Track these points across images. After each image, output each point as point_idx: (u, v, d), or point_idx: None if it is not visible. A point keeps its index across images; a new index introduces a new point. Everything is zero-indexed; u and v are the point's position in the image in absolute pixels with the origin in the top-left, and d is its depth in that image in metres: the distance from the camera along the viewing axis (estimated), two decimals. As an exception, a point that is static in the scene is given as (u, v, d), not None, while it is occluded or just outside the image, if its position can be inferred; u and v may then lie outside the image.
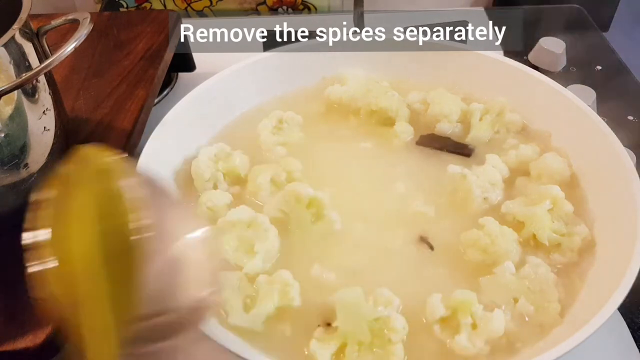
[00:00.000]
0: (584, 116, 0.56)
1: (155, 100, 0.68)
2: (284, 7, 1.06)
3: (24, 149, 0.45)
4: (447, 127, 0.60)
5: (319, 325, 0.44)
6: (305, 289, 0.46)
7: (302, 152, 0.57)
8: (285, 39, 0.70)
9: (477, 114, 0.60)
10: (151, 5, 1.06)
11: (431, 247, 0.49)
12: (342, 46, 0.67)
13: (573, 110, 0.57)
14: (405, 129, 0.60)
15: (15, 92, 0.43)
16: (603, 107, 0.73)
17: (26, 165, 0.46)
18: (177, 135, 0.57)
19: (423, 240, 0.49)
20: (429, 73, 0.66)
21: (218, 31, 0.95)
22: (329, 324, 0.44)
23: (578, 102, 0.57)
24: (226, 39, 0.92)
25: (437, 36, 0.68)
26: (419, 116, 0.62)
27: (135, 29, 0.70)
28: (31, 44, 0.46)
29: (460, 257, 0.49)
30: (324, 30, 0.74)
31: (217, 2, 1.05)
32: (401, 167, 0.58)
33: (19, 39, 0.44)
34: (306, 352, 0.43)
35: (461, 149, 0.59)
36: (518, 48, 0.87)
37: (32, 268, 0.32)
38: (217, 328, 0.42)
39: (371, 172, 0.58)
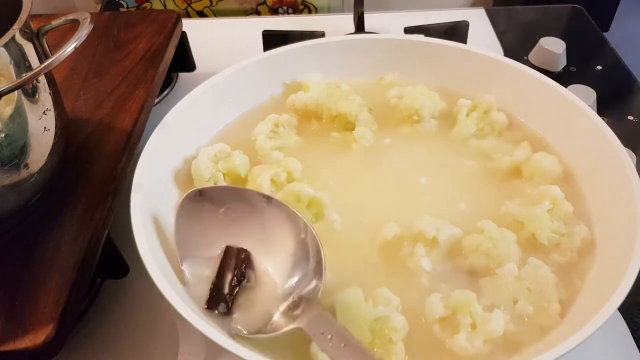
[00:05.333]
0: (584, 116, 0.56)
1: (155, 100, 0.68)
2: (284, 7, 1.07)
3: (24, 149, 0.45)
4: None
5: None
6: (305, 289, 0.46)
7: (300, 156, 0.57)
8: (285, 39, 0.70)
9: (464, 110, 0.61)
10: (151, 5, 1.06)
11: None
12: (343, 45, 0.67)
13: (573, 110, 0.57)
14: (362, 135, 0.60)
15: (16, 92, 0.43)
16: (603, 107, 0.73)
17: (26, 165, 0.46)
18: (177, 135, 0.57)
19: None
20: (429, 73, 0.66)
21: (218, 31, 0.96)
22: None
23: (578, 102, 0.57)
24: (226, 39, 0.92)
25: (437, 36, 0.68)
26: (393, 110, 0.63)
27: (135, 29, 0.70)
28: (31, 44, 0.46)
29: (461, 257, 0.49)
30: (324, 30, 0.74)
31: (217, 2, 1.05)
32: (402, 167, 0.58)
33: (19, 39, 0.44)
34: (307, 353, 0.43)
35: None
36: (518, 48, 0.88)
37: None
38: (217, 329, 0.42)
39: (371, 172, 0.58)
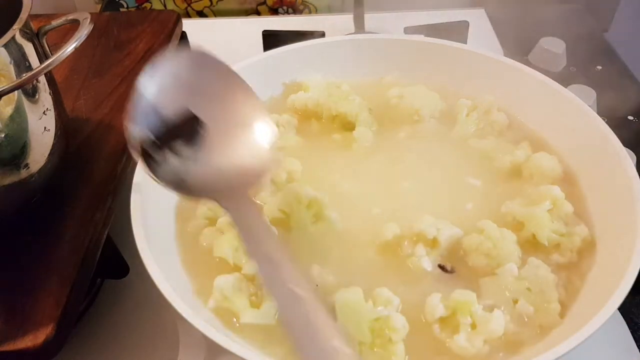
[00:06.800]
0: (584, 116, 0.56)
1: (156, 101, 0.67)
2: (284, 7, 1.06)
3: (24, 149, 0.45)
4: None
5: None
6: (305, 289, 0.46)
7: (300, 156, 0.57)
8: (285, 39, 0.70)
9: (464, 110, 0.61)
10: (151, 5, 1.06)
11: (447, 270, 0.48)
12: (343, 45, 0.67)
13: (573, 110, 0.57)
14: (362, 135, 0.59)
15: (16, 92, 0.43)
16: (603, 107, 0.73)
17: (26, 165, 0.46)
18: (177, 135, 0.57)
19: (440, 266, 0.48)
20: (429, 73, 0.65)
21: (218, 31, 0.96)
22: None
23: (578, 102, 0.57)
24: (226, 39, 0.92)
25: (437, 36, 0.68)
26: (392, 110, 0.63)
27: (135, 29, 0.70)
28: (31, 44, 0.46)
29: (461, 257, 0.49)
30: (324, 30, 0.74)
31: (217, 2, 1.05)
32: (402, 167, 0.58)
33: (19, 39, 0.44)
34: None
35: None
36: (518, 48, 0.88)
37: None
38: (225, 334, 0.42)
39: (371, 172, 0.58)
